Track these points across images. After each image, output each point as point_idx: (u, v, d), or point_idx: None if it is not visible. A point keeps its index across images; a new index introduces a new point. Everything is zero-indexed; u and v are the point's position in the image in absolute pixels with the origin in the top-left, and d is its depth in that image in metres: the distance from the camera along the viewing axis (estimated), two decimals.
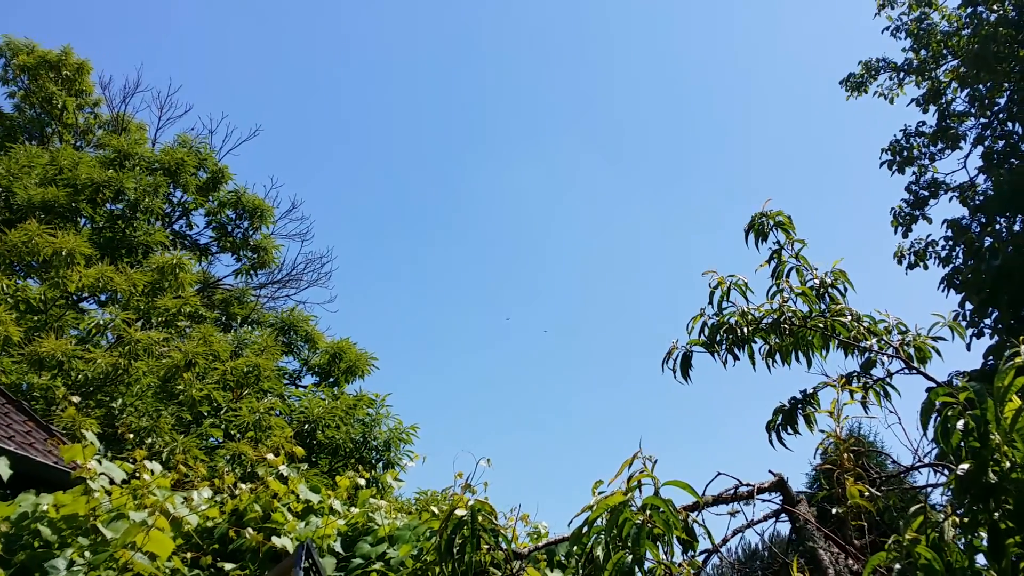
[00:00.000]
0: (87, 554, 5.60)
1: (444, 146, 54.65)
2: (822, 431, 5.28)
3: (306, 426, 16.58)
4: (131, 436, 12.86)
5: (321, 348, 21.28)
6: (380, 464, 17.32)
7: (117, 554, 5.43)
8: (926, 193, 21.64)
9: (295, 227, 30.64)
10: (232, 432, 14.95)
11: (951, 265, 19.69)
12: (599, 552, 3.36)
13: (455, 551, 3.93)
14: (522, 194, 52.63)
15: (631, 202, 54.44)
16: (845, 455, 4.75)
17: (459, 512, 3.96)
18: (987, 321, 18.40)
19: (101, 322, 15.52)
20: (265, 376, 16.24)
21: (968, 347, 18.66)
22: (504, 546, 4.15)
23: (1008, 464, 3.41)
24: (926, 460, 5.10)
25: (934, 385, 5.70)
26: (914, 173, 21.84)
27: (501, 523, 5.34)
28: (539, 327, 51.19)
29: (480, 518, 3.97)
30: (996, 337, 18.00)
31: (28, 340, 14.53)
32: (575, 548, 3.60)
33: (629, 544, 3.25)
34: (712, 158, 56.25)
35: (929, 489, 5.40)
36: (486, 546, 4.07)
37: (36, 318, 15.80)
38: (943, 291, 19.25)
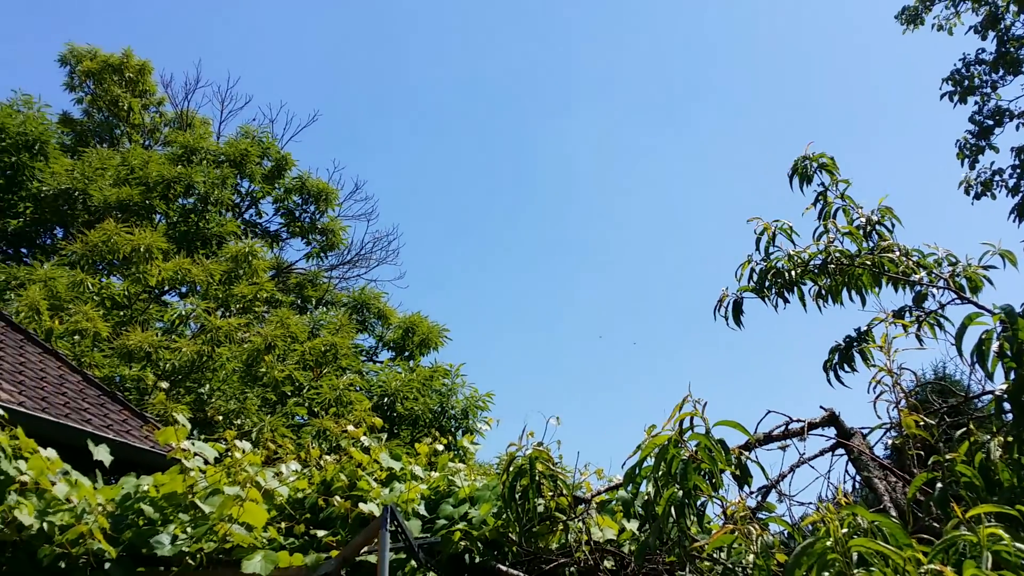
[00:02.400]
0: (188, 529, 5.90)
1: (502, 113, 54.58)
2: (874, 366, 5.38)
3: (385, 399, 17.01)
4: (221, 419, 13.37)
5: (394, 324, 21.73)
6: (459, 432, 17.72)
7: (216, 527, 5.76)
8: (991, 122, 21.11)
9: (360, 207, 31.13)
10: (315, 409, 15.43)
11: (1020, 193, 19.26)
12: (651, 489, 3.54)
13: (518, 497, 4.15)
14: (582, 155, 52.38)
15: (694, 154, 53.80)
16: (899, 387, 4.87)
17: (519, 460, 4.17)
18: None
19: (183, 313, 16.11)
20: (343, 354, 16.71)
21: None
22: (565, 491, 4.35)
23: None
24: (987, 387, 5.18)
25: (987, 313, 5.74)
26: (976, 102, 21.29)
27: (576, 478, 5.54)
28: (607, 292, 51.00)
29: (539, 465, 4.18)
30: None
31: (116, 335, 15.14)
32: (630, 488, 3.79)
33: (678, 480, 3.44)
34: (767, 103, 55.24)
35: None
36: (549, 492, 4.28)
37: (122, 313, 16.44)
38: (1014, 220, 18.87)
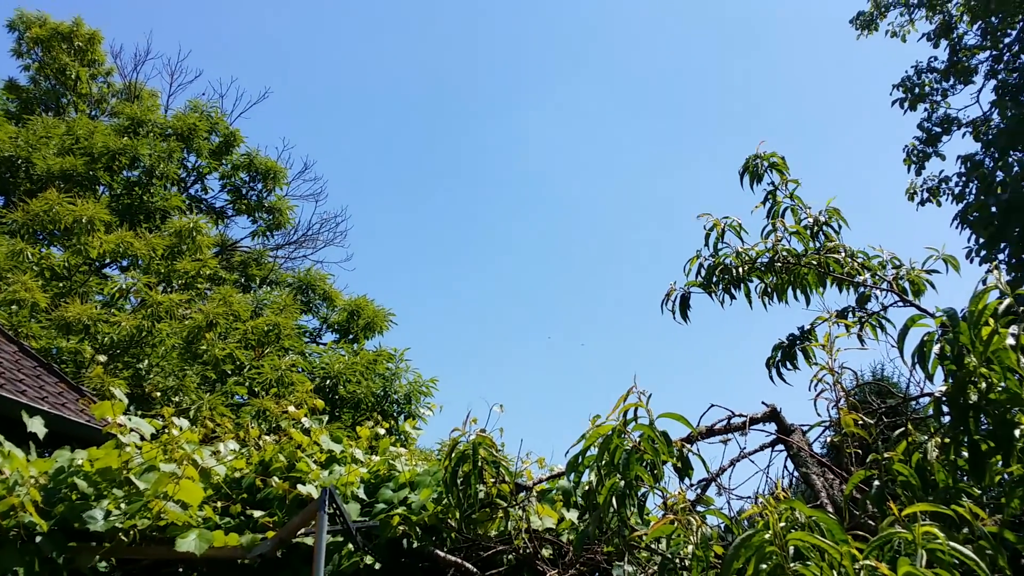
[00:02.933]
0: (122, 505, 5.82)
1: (453, 94, 54.41)
2: (816, 364, 5.48)
3: (327, 381, 16.94)
4: (159, 395, 13.20)
5: (339, 306, 21.61)
6: (401, 416, 17.71)
7: (151, 504, 5.69)
8: (939, 129, 21.51)
9: (309, 187, 30.98)
10: (256, 389, 15.29)
11: (964, 201, 19.64)
12: (593, 478, 3.56)
13: (459, 482, 4.16)
14: (533, 138, 52.41)
15: (639, 144, 54.09)
16: (839, 385, 4.94)
17: (461, 446, 4.18)
18: (1002, 256, 18.41)
19: (124, 286, 15.83)
20: (286, 334, 16.57)
21: (984, 281, 18.69)
22: (507, 478, 4.37)
23: (985, 385, 3.58)
24: (926, 389, 5.30)
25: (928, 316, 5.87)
26: (926, 110, 21.68)
27: (518, 467, 5.56)
28: (558, 282, 51.20)
29: (482, 451, 4.19)
30: (1012, 274, 18.03)
31: (55, 306, 14.86)
32: (572, 477, 3.81)
33: (621, 470, 3.46)
34: (722, 102, 55.76)
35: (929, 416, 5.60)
36: (491, 479, 4.29)
37: (61, 284, 16.13)
38: (957, 228, 19.23)
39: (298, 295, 21.25)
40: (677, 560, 3.67)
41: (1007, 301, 3.47)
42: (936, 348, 3.59)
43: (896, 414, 5.73)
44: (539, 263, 51.56)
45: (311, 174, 32.68)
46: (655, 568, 4.38)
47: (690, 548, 3.40)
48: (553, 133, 51.77)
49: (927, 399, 5.35)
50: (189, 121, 23.26)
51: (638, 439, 3.62)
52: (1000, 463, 3.70)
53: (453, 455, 4.25)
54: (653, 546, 4.34)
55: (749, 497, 5.08)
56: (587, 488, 3.69)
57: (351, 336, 21.05)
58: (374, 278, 44.37)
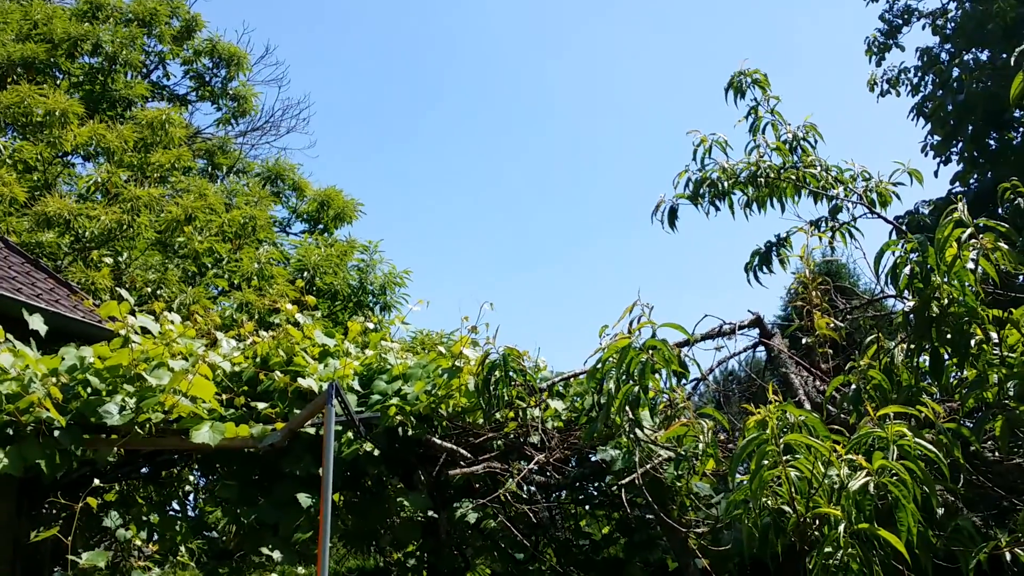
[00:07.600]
0: (132, 400, 6.16)
1: None
2: (793, 273, 5.98)
3: (304, 273, 17.19)
4: (147, 289, 13.40)
5: (309, 196, 21.63)
6: (377, 307, 18.09)
7: (162, 398, 6.05)
8: (899, 21, 21.80)
9: (271, 72, 30.67)
10: (235, 281, 15.50)
11: (920, 94, 20.12)
12: (611, 385, 4.03)
13: (491, 387, 4.65)
14: (510, 31, 51.57)
15: (617, 50, 53.49)
16: (814, 292, 5.41)
17: (493, 356, 4.67)
18: (954, 149, 19.05)
19: (99, 179, 15.75)
20: (260, 227, 16.69)
21: (936, 174, 19.45)
22: (531, 383, 4.89)
23: (946, 301, 4.09)
24: (887, 291, 5.82)
25: (892, 227, 6.43)
26: (888, 1, 21.94)
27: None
28: (531, 171, 50.94)
29: (510, 360, 4.68)
30: (962, 164, 18.74)
31: (33, 200, 14.82)
32: (591, 383, 4.27)
33: (635, 378, 3.92)
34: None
35: (892, 313, 6.16)
36: (513, 384, 4.78)
37: (35, 177, 16.04)
38: (913, 119, 19.78)
39: (267, 185, 21.22)
40: (690, 456, 4.18)
41: (969, 230, 3.93)
42: (907, 269, 4.06)
43: (856, 313, 6.30)
44: (510, 149, 51.33)
45: (272, 59, 32.20)
46: (641, 454, 4.92)
47: (700, 446, 3.90)
48: (523, 16, 50.96)
49: (889, 301, 5.91)
50: (150, 6, 22.72)
51: (644, 347, 4.08)
52: (956, 366, 4.26)
53: (485, 364, 4.72)
54: (639, 436, 4.86)
55: (732, 391, 5.65)
56: (601, 390, 4.17)
57: (321, 226, 21.17)
58: (336, 165, 44.08)
